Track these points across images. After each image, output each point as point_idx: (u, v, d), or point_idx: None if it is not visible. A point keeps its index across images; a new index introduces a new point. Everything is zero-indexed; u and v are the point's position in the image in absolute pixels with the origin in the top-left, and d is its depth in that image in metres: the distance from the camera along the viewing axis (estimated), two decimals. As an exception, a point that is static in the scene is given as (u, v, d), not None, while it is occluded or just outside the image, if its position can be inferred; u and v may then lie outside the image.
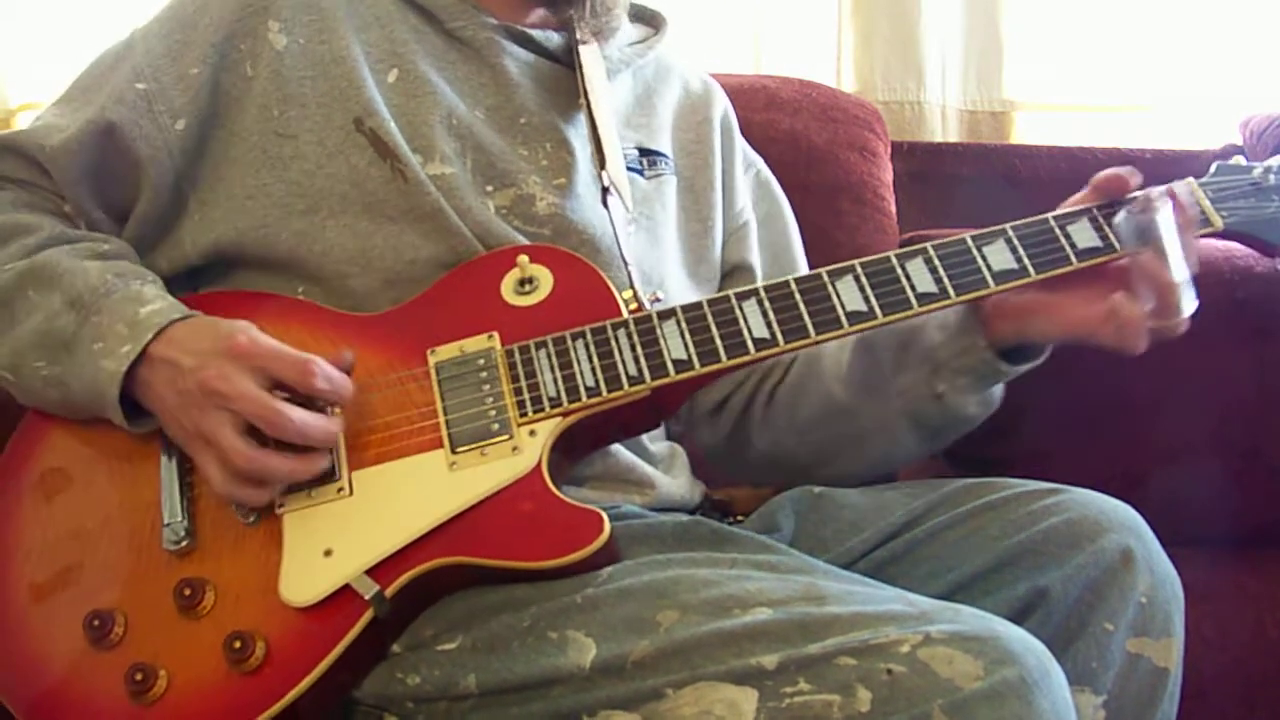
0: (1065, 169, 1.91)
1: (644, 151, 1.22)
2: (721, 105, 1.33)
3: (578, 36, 1.17)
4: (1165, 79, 2.10)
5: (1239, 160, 1.07)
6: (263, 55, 1.09)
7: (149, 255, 1.12)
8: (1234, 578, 1.38)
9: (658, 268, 1.17)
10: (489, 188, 1.11)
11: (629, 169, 1.18)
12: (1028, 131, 2.14)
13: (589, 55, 1.17)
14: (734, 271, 1.28)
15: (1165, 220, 0.99)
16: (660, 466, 1.17)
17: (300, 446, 0.94)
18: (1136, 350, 1.00)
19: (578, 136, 1.16)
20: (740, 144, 1.34)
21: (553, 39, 1.17)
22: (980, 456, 1.35)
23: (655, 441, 1.19)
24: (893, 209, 1.83)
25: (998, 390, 1.13)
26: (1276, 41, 2.07)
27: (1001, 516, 1.03)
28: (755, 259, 1.28)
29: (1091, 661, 0.98)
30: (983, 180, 1.93)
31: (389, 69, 1.11)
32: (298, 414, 0.93)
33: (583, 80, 1.15)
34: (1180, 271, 0.98)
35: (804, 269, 1.30)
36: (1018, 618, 0.95)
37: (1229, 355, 1.33)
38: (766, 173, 1.37)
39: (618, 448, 1.11)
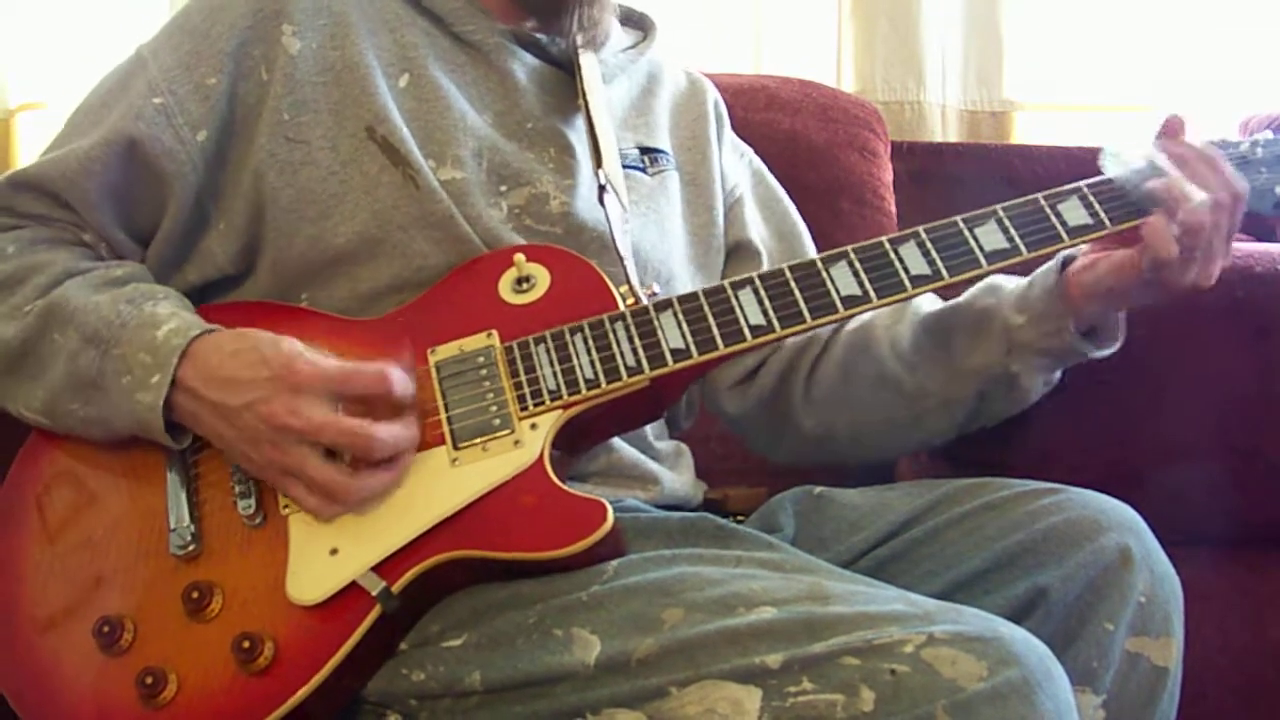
0: (1065, 169, 1.91)
1: (644, 150, 1.23)
2: (711, 96, 1.34)
3: (578, 43, 1.17)
4: (1165, 79, 2.10)
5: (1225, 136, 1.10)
6: (277, 60, 1.08)
7: (178, 272, 1.11)
8: (1234, 578, 1.38)
9: (666, 261, 1.18)
10: (503, 188, 1.11)
11: (632, 167, 1.19)
12: (1028, 131, 2.14)
13: (586, 58, 1.18)
14: (736, 249, 1.28)
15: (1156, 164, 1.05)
16: (665, 464, 1.17)
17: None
18: (1204, 269, 1.04)
19: (578, 138, 1.16)
20: (729, 132, 1.35)
21: (557, 43, 1.17)
22: (980, 456, 1.35)
23: (660, 439, 1.20)
24: (893, 209, 1.84)
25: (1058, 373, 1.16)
26: (1276, 41, 2.07)
27: (1001, 516, 1.04)
28: (754, 234, 1.28)
29: (1091, 661, 0.98)
30: (983, 180, 1.93)
31: (400, 73, 1.11)
32: (385, 431, 0.93)
33: (581, 82, 1.15)
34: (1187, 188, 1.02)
35: (812, 249, 1.31)
36: (1017, 617, 0.96)
37: (1229, 355, 1.33)
38: (759, 162, 1.38)
39: (622, 444, 1.12)
